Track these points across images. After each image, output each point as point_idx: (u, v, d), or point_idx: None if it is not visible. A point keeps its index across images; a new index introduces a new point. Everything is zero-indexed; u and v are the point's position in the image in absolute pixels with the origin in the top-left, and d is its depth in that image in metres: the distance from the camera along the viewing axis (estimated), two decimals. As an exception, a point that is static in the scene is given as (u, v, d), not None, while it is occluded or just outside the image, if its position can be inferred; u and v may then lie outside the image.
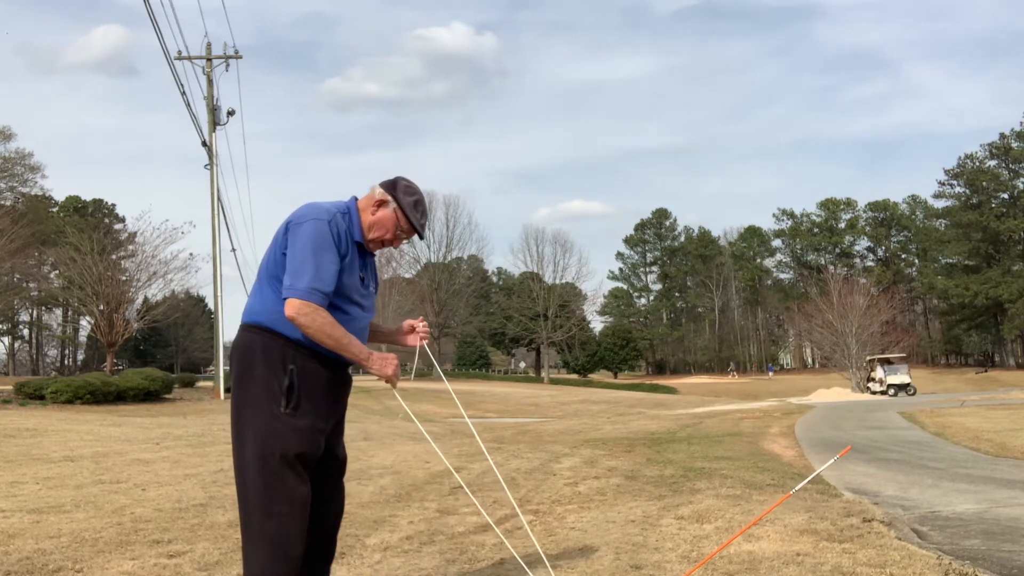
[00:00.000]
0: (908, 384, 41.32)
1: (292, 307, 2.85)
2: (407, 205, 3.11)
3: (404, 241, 3.25)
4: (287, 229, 2.99)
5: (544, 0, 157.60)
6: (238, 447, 2.96)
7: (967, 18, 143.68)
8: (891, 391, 40.34)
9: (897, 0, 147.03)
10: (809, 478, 4.13)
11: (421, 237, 3.24)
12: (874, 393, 41.49)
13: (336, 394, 3.10)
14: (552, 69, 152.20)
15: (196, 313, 75.54)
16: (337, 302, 2.97)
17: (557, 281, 78.77)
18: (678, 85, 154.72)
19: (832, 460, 4.15)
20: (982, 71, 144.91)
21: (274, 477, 2.86)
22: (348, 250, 3.02)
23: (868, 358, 45.17)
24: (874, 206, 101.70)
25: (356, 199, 3.19)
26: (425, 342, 3.36)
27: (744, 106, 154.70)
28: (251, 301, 3.06)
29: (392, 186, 3.14)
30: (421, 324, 3.38)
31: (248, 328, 3.02)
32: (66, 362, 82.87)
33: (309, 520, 3.04)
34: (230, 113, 29.22)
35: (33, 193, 72.77)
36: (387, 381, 3.04)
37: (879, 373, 42.65)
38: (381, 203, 3.11)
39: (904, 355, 48.76)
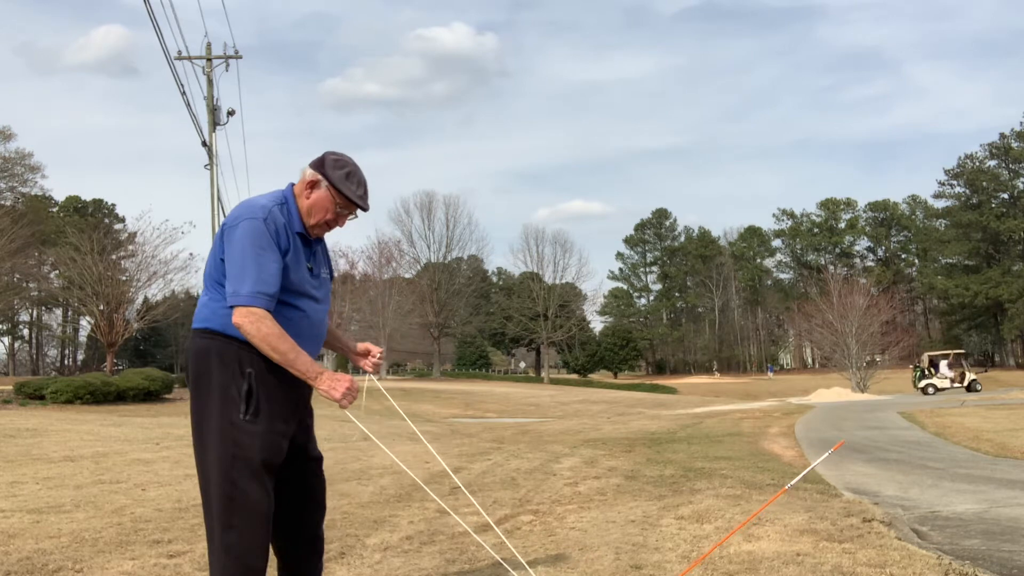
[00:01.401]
0: (976, 379, 42.71)
1: (238, 315, 2.74)
2: (337, 180, 2.92)
3: (350, 218, 3.04)
4: (223, 233, 2.85)
5: (546, 0, 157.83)
6: (200, 457, 2.86)
7: (968, 18, 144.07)
8: (977, 385, 41.52)
9: (898, 1, 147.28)
10: (802, 474, 4.13)
11: (365, 209, 3.02)
12: (937, 391, 41.54)
13: (297, 396, 2.96)
14: (553, 69, 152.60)
15: (196, 313, 75.48)
16: (288, 298, 2.86)
17: (557, 281, 78.84)
18: (679, 85, 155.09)
19: (825, 455, 4.16)
20: (983, 71, 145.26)
21: (236, 488, 2.77)
22: (289, 244, 2.87)
23: (928, 354, 45.38)
24: (874, 206, 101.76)
25: (293, 185, 3.01)
26: (374, 371, 3.26)
27: (745, 106, 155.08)
28: (200, 306, 2.93)
29: (320, 163, 2.95)
30: (378, 353, 3.28)
31: (201, 334, 2.89)
32: (66, 362, 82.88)
33: (295, 522, 3.03)
34: (230, 113, 29.15)
35: (33, 193, 72.92)
36: (338, 404, 2.82)
37: (945, 370, 42.95)
38: (313, 184, 2.93)
39: (963, 351, 50.35)
